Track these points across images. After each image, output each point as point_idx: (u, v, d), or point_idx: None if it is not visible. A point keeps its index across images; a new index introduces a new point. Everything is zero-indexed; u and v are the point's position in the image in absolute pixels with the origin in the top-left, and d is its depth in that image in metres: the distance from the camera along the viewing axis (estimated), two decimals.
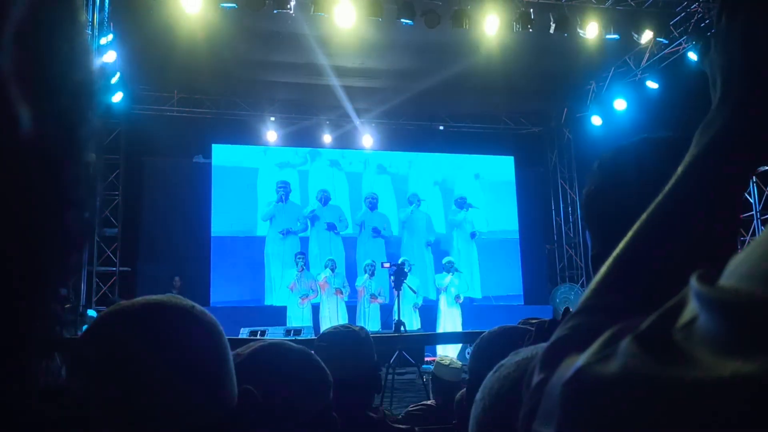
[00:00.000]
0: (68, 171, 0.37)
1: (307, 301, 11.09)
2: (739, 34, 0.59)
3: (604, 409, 0.40)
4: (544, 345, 0.62)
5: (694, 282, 0.40)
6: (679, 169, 0.60)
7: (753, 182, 9.97)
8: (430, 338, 8.57)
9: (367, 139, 12.97)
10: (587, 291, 0.61)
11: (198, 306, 0.99)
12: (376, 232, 12.82)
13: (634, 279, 0.60)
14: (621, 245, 0.62)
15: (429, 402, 3.62)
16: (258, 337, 8.02)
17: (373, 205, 12.97)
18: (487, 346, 1.84)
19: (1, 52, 0.32)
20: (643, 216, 0.61)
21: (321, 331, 9.77)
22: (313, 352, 1.44)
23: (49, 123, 0.35)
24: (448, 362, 3.87)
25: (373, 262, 11.33)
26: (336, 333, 2.11)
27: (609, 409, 0.39)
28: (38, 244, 0.35)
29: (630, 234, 0.61)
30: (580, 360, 0.44)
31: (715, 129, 0.59)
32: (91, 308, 10.51)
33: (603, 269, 0.61)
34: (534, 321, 2.36)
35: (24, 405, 0.35)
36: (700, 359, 0.36)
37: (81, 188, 0.38)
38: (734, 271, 0.40)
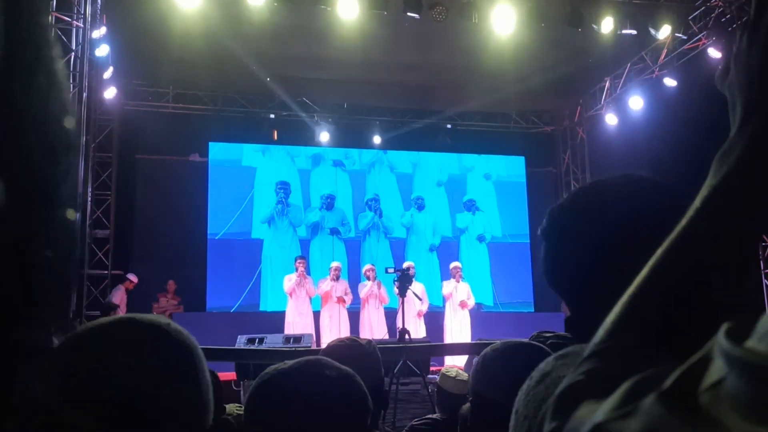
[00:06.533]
0: (38, 237, 0.39)
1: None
2: (760, 56, 0.57)
3: None
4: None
5: (721, 339, 0.40)
6: (696, 202, 0.58)
7: None
8: (437, 349, 8.33)
9: (371, 138, 12.82)
10: (601, 332, 0.59)
11: (175, 324, 0.97)
12: (386, 233, 12.72)
13: (650, 320, 0.58)
14: (635, 283, 0.60)
15: (434, 416, 3.55)
16: (256, 345, 7.79)
17: (376, 208, 12.86)
18: (490, 365, 1.78)
19: None
20: (659, 252, 0.60)
21: (321, 338, 9.46)
22: (355, 373, 1.41)
23: (22, 185, 0.37)
24: (453, 374, 3.76)
25: (374, 267, 11.03)
26: (342, 346, 2.10)
27: None
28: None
29: (645, 271, 0.60)
30: (599, 414, 0.44)
31: (734, 157, 0.56)
32: (82, 313, 10.37)
33: (617, 308, 0.60)
34: (548, 335, 2.20)
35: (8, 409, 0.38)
36: (730, 425, 0.36)
37: (57, 247, 0.40)
38: (767, 332, 0.39)
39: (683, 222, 0.59)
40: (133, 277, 10.80)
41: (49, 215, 0.39)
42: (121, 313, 10.39)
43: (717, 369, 0.40)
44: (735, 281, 0.58)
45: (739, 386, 0.37)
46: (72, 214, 0.40)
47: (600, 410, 0.44)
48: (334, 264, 10.91)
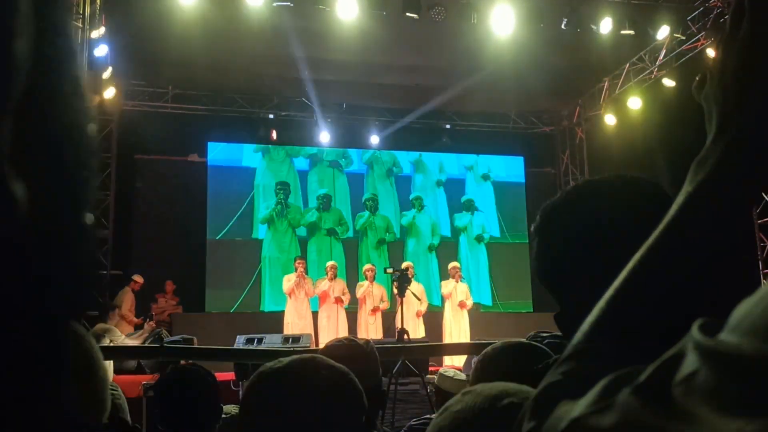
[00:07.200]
0: (63, 247, 0.40)
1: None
2: (735, 67, 0.58)
3: None
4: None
5: (695, 333, 0.41)
6: (673, 209, 0.59)
7: None
8: (436, 349, 8.23)
9: (370, 138, 12.76)
10: (579, 334, 0.61)
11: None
12: (381, 237, 12.63)
13: (627, 324, 0.59)
14: (612, 287, 0.61)
15: (433, 416, 3.38)
16: (255, 345, 7.80)
17: (374, 209, 12.77)
18: (490, 365, 1.76)
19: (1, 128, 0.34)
20: (636, 257, 0.60)
21: (319, 338, 9.45)
22: (350, 371, 1.41)
23: (46, 195, 0.38)
24: (451, 374, 3.76)
25: (373, 266, 10.98)
26: (340, 346, 2.07)
27: None
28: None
29: (622, 276, 0.61)
30: (576, 410, 0.45)
31: (710, 165, 0.58)
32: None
33: (595, 312, 0.61)
34: (545, 334, 2.21)
35: None
36: (702, 416, 0.37)
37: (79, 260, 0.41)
38: (738, 325, 0.39)
39: (660, 228, 0.60)
40: (138, 278, 10.67)
41: (72, 219, 0.40)
42: (131, 315, 10.38)
43: (690, 362, 0.40)
44: (714, 285, 0.59)
45: (711, 378, 0.38)
46: (90, 219, 0.41)
47: (577, 406, 0.44)
48: (330, 263, 10.86)
